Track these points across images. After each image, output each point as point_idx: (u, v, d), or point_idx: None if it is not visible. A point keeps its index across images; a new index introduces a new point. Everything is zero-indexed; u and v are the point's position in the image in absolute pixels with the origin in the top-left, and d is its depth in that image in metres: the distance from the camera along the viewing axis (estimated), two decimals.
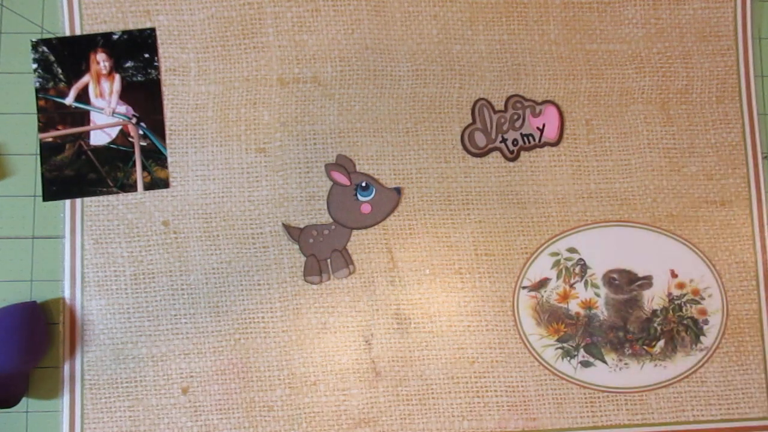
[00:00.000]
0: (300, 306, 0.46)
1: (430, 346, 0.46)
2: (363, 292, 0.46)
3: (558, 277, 0.47)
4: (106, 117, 0.46)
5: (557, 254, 0.47)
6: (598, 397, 0.47)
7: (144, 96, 0.46)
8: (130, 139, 0.46)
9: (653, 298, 0.47)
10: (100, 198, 0.46)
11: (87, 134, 0.46)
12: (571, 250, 0.47)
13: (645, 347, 0.47)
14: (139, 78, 0.46)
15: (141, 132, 0.46)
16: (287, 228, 0.46)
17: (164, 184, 0.46)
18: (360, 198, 0.46)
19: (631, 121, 0.49)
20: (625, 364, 0.47)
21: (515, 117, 0.48)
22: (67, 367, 0.45)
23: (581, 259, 0.47)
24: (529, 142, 0.48)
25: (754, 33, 0.50)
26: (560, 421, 0.46)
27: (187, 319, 0.46)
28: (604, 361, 0.47)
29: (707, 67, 0.50)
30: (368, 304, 0.46)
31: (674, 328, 0.47)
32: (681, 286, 0.47)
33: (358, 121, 0.48)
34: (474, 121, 0.48)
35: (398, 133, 0.48)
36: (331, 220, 0.46)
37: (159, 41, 0.47)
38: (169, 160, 0.46)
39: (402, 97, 0.48)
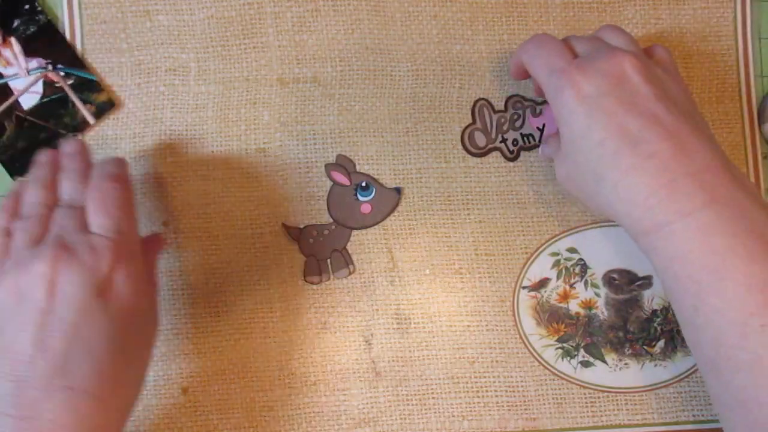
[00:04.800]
0: (300, 306, 0.46)
1: (430, 346, 0.46)
2: (363, 292, 0.46)
3: (558, 277, 0.47)
4: (24, 79, 0.46)
5: (557, 254, 0.47)
6: (599, 397, 0.47)
7: (46, 42, 0.47)
8: (57, 85, 0.46)
9: (653, 298, 0.47)
10: None
11: (17, 104, 0.46)
12: (571, 250, 0.47)
13: (645, 347, 0.47)
14: (32, 29, 0.46)
15: (62, 73, 0.46)
16: (287, 228, 0.46)
17: (110, 104, 0.46)
18: (360, 198, 0.46)
19: None
20: (625, 364, 0.47)
21: (515, 117, 0.48)
22: None
23: (581, 259, 0.47)
24: (529, 142, 0.48)
25: (754, 33, 0.50)
26: (560, 421, 0.46)
27: (187, 319, 0.46)
28: (604, 361, 0.47)
29: (707, 67, 0.50)
30: (368, 304, 0.46)
31: (674, 327, 0.47)
32: None
33: (358, 121, 0.48)
34: (474, 121, 0.48)
35: (398, 133, 0.48)
36: (331, 220, 0.46)
37: (159, 41, 0.47)
38: (111, 85, 0.47)
39: (402, 97, 0.48)
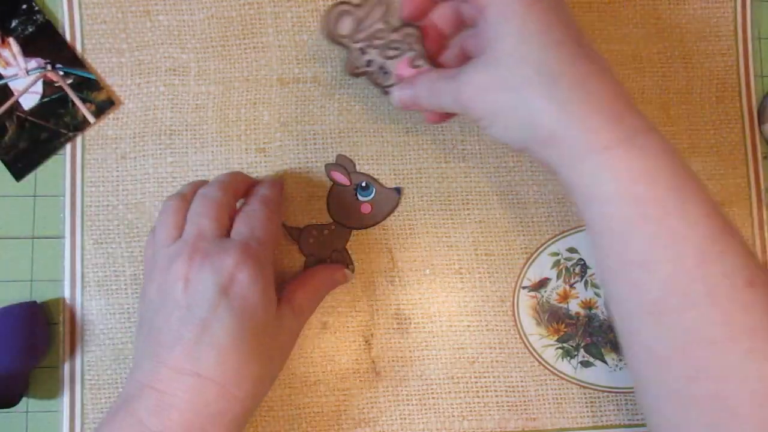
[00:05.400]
0: None
1: (430, 346, 0.46)
2: (363, 292, 0.46)
3: (558, 277, 0.47)
4: (24, 79, 0.46)
5: (557, 254, 0.47)
6: (599, 397, 0.47)
7: (44, 42, 0.47)
8: (57, 84, 0.46)
9: None
10: (100, 199, 0.46)
11: (17, 104, 0.46)
12: (571, 249, 0.47)
13: None
14: (30, 29, 0.46)
15: (61, 73, 0.46)
16: (287, 228, 0.46)
17: (109, 103, 0.47)
18: (360, 198, 0.46)
19: None
20: (625, 364, 0.47)
21: (395, 45, 0.41)
22: (67, 367, 0.45)
23: (581, 259, 0.47)
24: (379, 81, 0.43)
25: (754, 33, 0.50)
26: (560, 421, 0.46)
27: None
28: (605, 361, 0.47)
29: (707, 67, 0.50)
30: (368, 304, 0.46)
31: None
32: None
33: (358, 121, 0.48)
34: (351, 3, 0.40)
35: (398, 132, 0.48)
36: (330, 220, 0.46)
37: (159, 41, 0.47)
38: (106, 79, 0.47)
39: None
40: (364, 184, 0.46)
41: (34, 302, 0.46)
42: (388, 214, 0.46)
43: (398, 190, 0.46)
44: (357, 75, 0.43)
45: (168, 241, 0.38)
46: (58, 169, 0.47)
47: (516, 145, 0.36)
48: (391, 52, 0.41)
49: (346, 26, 0.41)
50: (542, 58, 0.34)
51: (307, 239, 0.46)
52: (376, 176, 0.47)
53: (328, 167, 0.47)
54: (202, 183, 0.42)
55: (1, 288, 0.46)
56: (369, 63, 0.42)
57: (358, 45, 0.41)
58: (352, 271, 0.46)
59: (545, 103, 0.33)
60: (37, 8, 0.47)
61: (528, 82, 0.34)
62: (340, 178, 0.46)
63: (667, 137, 0.48)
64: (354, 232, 0.47)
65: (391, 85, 0.42)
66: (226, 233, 0.38)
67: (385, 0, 0.40)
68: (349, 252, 0.46)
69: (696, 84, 0.49)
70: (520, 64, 0.34)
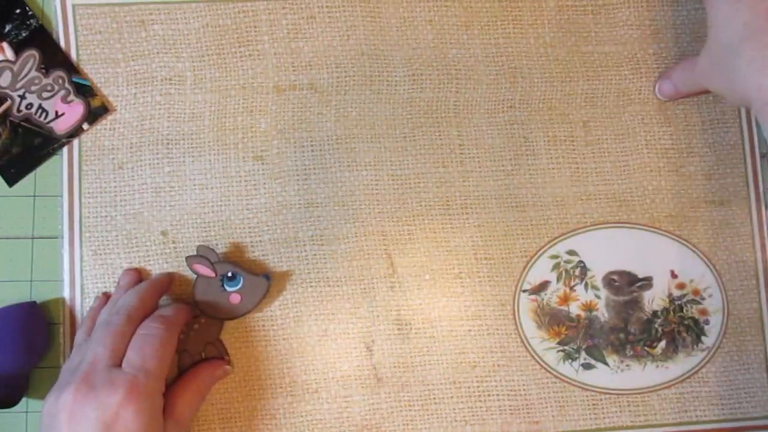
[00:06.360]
0: (300, 314, 0.46)
1: (432, 351, 0.46)
2: (363, 298, 0.46)
3: (558, 280, 0.47)
4: None
5: (557, 257, 0.47)
6: (601, 400, 0.47)
7: (38, 47, 0.46)
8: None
9: (654, 299, 0.47)
10: (98, 209, 0.46)
11: (10, 109, 0.46)
12: (571, 252, 0.47)
13: (646, 348, 0.47)
14: (24, 34, 0.46)
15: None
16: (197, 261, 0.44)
17: (103, 109, 0.46)
18: (228, 288, 0.44)
19: (629, 122, 0.49)
20: (627, 365, 0.47)
21: (49, 87, 0.46)
22: None
23: (581, 261, 0.47)
24: (37, 116, 0.46)
25: None
26: (563, 423, 0.46)
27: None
28: (606, 363, 0.47)
29: None
30: (368, 310, 0.46)
31: (675, 328, 0.47)
32: (681, 286, 0.47)
33: (355, 128, 0.48)
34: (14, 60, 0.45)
35: (396, 138, 0.48)
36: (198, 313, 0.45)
37: (155, 50, 0.47)
38: (102, 89, 0.47)
39: (399, 102, 0.48)
40: (230, 274, 0.44)
41: (34, 302, 0.46)
42: (260, 301, 0.44)
43: (267, 277, 0.44)
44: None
45: (74, 366, 0.39)
46: (57, 169, 0.47)
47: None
48: (46, 94, 0.45)
49: (5, 79, 0.45)
50: (740, 36, 0.39)
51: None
52: (374, 182, 0.47)
53: (190, 260, 0.44)
54: (132, 283, 0.44)
55: (0, 288, 0.46)
56: (29, 106, 0.45)
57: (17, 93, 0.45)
58: (229, 362, 0.45)
59: (740, 80, 0.39)
60: (30, 13, 0.46)
61: (730, 60, 0.40)
62: (204, 270, 0.44)
63: (665, 138, 0.49)
64: (353, 237, 0.46)
65: (52, 120, 0.45)
66: (120, 361, 0.39)
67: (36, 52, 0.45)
68: (224, 342, 0.45)
69: None
70: (725, 47, 0.40)
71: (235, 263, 0.44)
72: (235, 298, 0.44)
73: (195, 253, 0.44)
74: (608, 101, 0.49)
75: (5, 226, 0.46)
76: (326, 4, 0.48)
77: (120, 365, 0.38)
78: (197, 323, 0.44)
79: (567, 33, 0.49)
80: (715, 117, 0.49)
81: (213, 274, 0.44)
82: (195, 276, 0.44)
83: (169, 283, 0.45)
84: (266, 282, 0.44)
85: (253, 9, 0.47)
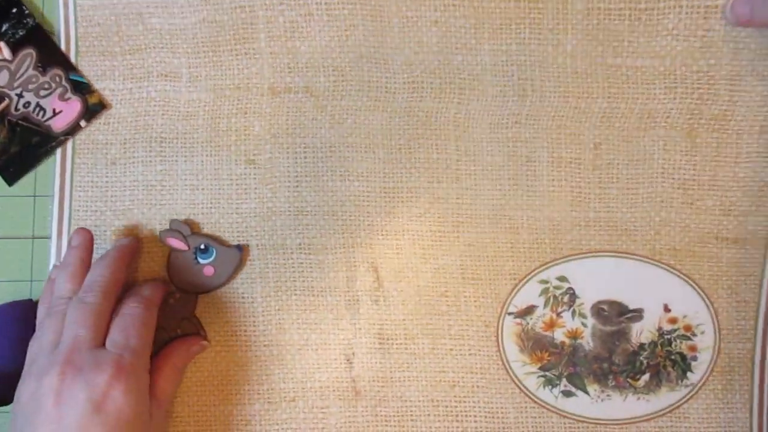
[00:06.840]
0: (283, 321, 0.46)
1: (412, 368, 0.46)
2: (347, 310, 0.46)
3: (545, 305, 0.46)
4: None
5: (546, 282, 0.46)
6: (578, 428, 0.46)
7: (35, 46, 0.46)
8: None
9: (642, 332, 0.46)
10: (88, 204, 0.46)
11: (8, 108, 0.46)
12: (561, 278, 0.46)
13: (629, 380, 0.46)
14: (20, 33, 0.46)
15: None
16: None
17: (100, 106, 0.46)
18: (201, 261, 0.45)
19: (648, 147, 0.46)
20: (608, 395, 0.46)
21: (46, 85, 0.46)
22: None
23: (570, 288, 0.46)
24: (35, 114, 0.46)
25: None
26: None
27: None
28: (586, 392, 0.46)
29: (759, 91, 0.44)
30: (351, 322, 0.46)
31: (661, 362, 0.46)
32: (673, 321, 0.46)
33: (350, 136, 0.46)
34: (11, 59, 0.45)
35: (391, 149, 0.46)
36: (173, 289, 0.45)
37: (151, 45, 0.46)
38: (99, 84, 0.47)
39: (396, 111, 0.46)
40: (203, 247, 0.45)
41: (30, 300, 0.46)
42: (234, 273, 0.45)
43: (239, 248, 0.45)
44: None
45: (50, 347, 0.39)
46: (56, 169, 0.47)
47: None
48: (43, 92, 0.45)
49: (2, 78, 0.45)
50: None
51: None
52: (366, 193, 0.46)
53: (163, 234, 0.45)
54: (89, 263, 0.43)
55: (0, 288, 0.47)
56: (26, 104, 0.45)
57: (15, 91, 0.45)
58: (205, 337, 0.45)
59: None
60: (27, 12, 0.46)
61: None
62: (177, 243, 0.45)
63: (687, 167, 0.45)
64: (339, 249, 0.46)
65: (50, 118, 0.45)
66: (102, 341, 0.39)
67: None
68: (199, 318, 0.46)
69: (739, 110, 0.45)
70: None
71: (208, 236, 0.45)
72: (209, 271, 0.45)
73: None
74: (628, 123, 0.46)
75: (5, 226, 0.47)
76: (325, 0, 0.45)
77: (103, 345, 0.39)
78: (172, 298, 0.45)
79: (593, 41, 0.45)
80: (754, 150, 0.45)
81: (186, 248, 0.45)
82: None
83: (136, 248, 0.45)
84: (238, 253, 0.45)
85: (250, 4, 0.46)
